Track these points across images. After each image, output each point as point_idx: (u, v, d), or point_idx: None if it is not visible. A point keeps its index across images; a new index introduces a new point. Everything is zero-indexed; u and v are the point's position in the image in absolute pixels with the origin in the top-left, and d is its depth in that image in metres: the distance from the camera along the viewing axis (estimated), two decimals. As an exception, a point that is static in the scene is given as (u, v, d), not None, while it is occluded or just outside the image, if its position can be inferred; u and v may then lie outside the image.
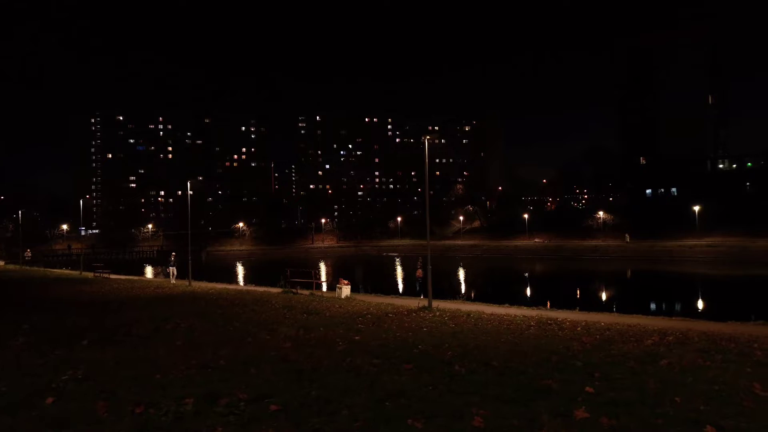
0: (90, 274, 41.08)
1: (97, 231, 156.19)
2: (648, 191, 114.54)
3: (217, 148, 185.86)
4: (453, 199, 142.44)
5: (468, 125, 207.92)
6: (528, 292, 46.77)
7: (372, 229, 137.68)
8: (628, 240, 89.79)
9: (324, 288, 30.44)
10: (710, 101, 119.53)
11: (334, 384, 7.86)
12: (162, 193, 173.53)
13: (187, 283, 30.98)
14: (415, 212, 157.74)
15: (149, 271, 72.80)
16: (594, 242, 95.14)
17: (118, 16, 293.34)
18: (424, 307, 19.44)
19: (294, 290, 25.59)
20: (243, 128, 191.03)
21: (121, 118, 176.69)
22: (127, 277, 40.57)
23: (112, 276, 39.19)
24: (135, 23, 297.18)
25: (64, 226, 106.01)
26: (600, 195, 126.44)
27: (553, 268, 73.07)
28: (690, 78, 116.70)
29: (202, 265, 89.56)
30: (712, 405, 7.07)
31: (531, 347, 11.50)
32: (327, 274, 68.07)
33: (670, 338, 13.30)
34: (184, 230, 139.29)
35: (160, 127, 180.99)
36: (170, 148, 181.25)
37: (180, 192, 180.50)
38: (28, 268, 56.27)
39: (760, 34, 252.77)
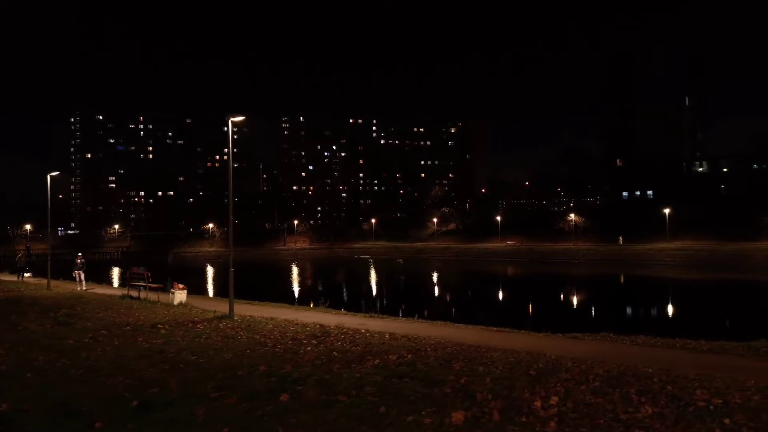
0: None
1: (77, 231, 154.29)
2: (624, 194, 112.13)
3: (199, 149, 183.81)
4: (436, 201, 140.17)
5: (454, 127, 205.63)
6: (436, 297, 44.64)
7: (346, 231, 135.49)
8: (621, 243, 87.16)
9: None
10: (687, 103, 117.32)
11: None
12: (142, 193, 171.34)
13: (46, 286, 28.84)
14: (399, 214, 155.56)
15: (116, 274, 69.05)
16: (564, 245, 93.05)
17: (100, 13, 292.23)
18: (223, 316, 17.16)
19: (132, 294, 23.32)
20: (225, 128, 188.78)
21: (101, 117, 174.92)
22: (38, 280, 38.05)
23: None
24: (123, 22, 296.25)
25: (28, 226, 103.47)
26: (580, 198, 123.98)
27: (508, 271, 71.25)
28: (670, 80, 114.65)
29: (168, 268, 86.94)
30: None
31: (163, 376, 9.25)
32: (295, 276, 65.74)
33: (409, 357, 11.03)
34: (154, 231, 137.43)
35: (141, 127, 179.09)
36: (151, 148, 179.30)
37: (161, 192, 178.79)
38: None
39: (740, 35, 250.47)
